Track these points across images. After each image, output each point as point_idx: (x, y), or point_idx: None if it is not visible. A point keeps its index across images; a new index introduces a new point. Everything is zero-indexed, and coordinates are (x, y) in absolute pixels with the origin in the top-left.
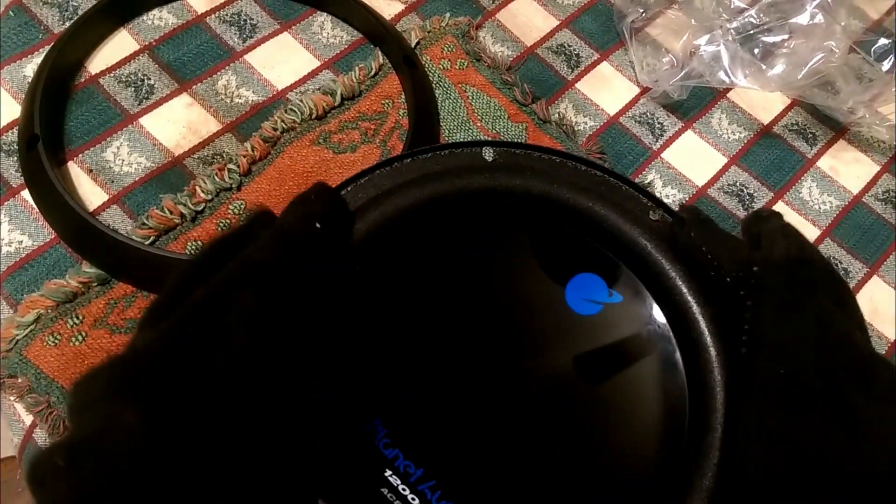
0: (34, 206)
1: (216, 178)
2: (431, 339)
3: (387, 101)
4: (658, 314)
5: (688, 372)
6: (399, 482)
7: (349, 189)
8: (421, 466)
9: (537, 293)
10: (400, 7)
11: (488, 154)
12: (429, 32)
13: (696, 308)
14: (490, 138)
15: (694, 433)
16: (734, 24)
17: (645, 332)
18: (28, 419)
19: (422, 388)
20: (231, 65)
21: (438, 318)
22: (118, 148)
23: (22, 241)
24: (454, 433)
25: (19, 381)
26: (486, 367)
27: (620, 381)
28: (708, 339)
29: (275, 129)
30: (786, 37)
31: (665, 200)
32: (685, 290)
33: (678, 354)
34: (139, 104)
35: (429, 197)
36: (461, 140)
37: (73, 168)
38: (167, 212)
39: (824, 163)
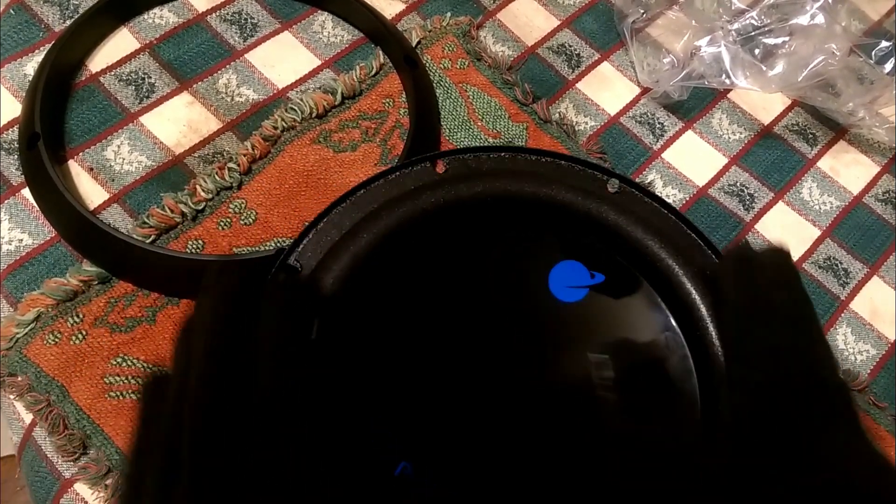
0: (34, 204)
1: (217, 176)
2: (433, 365)
3: (387, 100)
4: (644, 283)
5: (680, 326)
6: None
7: (310, 237)
8: (455, 490)
9: (524, 296)
10: (401, 6)
11: (439, 166)
12: (430, 32)
13: (671, 263)
14: (493, 138)
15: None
16: (735, 26)
17: (634, 301)
18: (28, 418)
19: (434, 416)
20: (232, 63)
21: (437, 343)
22: (119, 146)
23: (22, 240)
24: (477, 452)
25: (19, 379)
26: (496, 383)
27: (629, 361)
28: (693, 293)
29: (275, 128)
30: (786, 38)
31: (666, 200)
32: (657, 249)
33: (667, 311)
34: (140, 103)
35: (395, 225)
36: (422, 154)
37: (74, 166)
38: (168, 210)
39: (825, 163)
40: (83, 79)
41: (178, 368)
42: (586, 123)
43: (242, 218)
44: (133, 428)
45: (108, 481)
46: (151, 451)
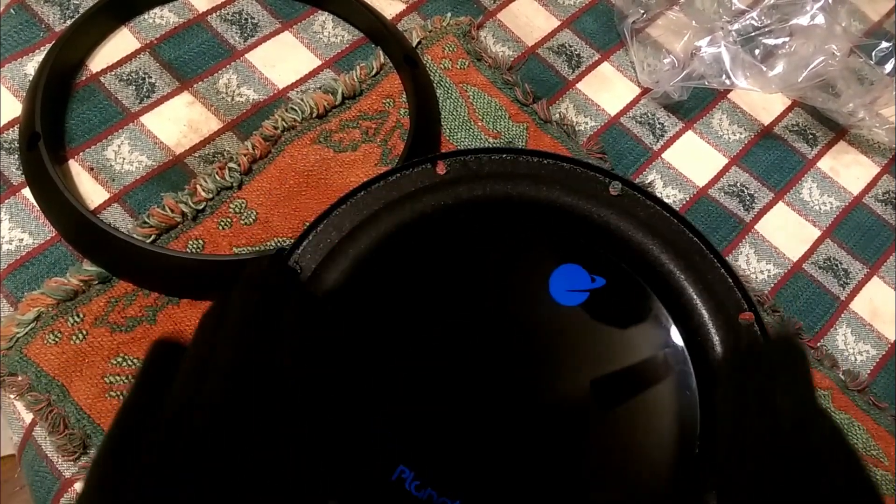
0: (35, 204)
1: (217, 176)
2: (434, 369)
3: (388, 100)
4: (645, 288)
5: (681, 331)
6: None
7: (310, 238)
8: (457, 498)
9: (524, 299)
10: (401, 6)
11: (440, 168)
12: (430, 32)
13: (672, 267)
14: (493, 138)
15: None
16: (735, 26)
17: (634, 306)
18: (28, 417)
19: (435, 422)
20: (232, 63)
21: (436, 347)
22: (119, 146)
23: (23, 239)
24: (477, 457)
25: (19, 379)
26: (496, 387)
27: (629, 365)
28: (695, 298)
29: (275, 128)
30: (786, 38)
31: (666, 201)
32: (658, 253)
33: (668, 316)
34: (140, 102)
35: (395, 227)
36: (422, 157)
37: (74, 166)
38: (168, 210)
39: (824, 164)
40: (83, 79)
41: (199, 351)
42: (586, 124)
43: (243, 218)
44: (132, 389)
45: None
46: (152, 425)
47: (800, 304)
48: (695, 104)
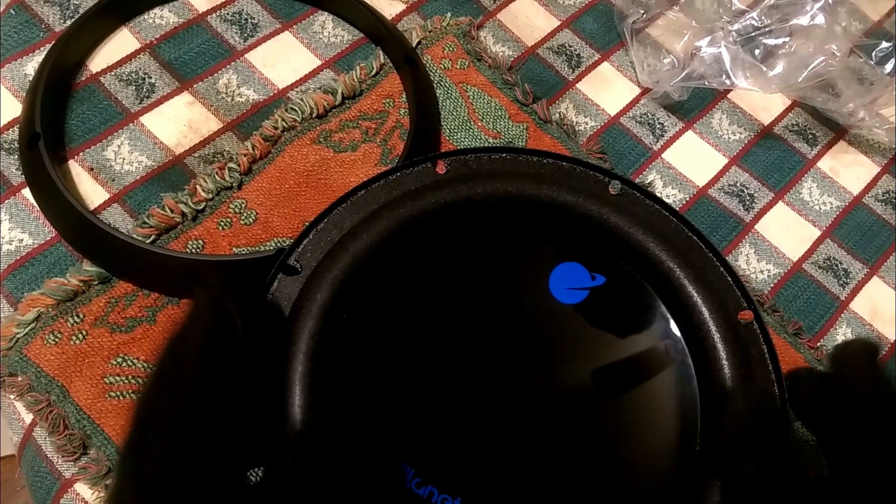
0: (35, 204)
1: (217, 176)
2: (434, 367)
3: (388, 100)
4: (644, 286)
5: (681, 329)
6: None
7: (310, 237)
8: (458, 496)
9: (524, 297)
10: (401, 7)
11: (440, 167)
12: (430, 32)
13: (672, 265)
14: (493, 138)
15: (705, 408)
16: (735, 26)
17: (634, 304)
18: (28, 418)
19: (436, 419)
20: (232, 63)
21: (437, 345)
22: (119, 146)
23: (22, 240)
24: (478, 455)
25: (19, 379)
26: (496, 384)
27: (629, 364)
28: (695, 296)
29: (275, 128)
30: (787, 39)
31: (666, 200)
32: (658, 251)
33: (668, 314)
34: (140, 103)
35: (396, 225)
36: (426, 154)
37: (74, 166)
38: (168, 210)
39: (825, 164)
40: (83, 79)
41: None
42: (586, 123)
43: (243, 218)
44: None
45: (109, 481)
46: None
47: (800, 304)
48: (695, 104)
